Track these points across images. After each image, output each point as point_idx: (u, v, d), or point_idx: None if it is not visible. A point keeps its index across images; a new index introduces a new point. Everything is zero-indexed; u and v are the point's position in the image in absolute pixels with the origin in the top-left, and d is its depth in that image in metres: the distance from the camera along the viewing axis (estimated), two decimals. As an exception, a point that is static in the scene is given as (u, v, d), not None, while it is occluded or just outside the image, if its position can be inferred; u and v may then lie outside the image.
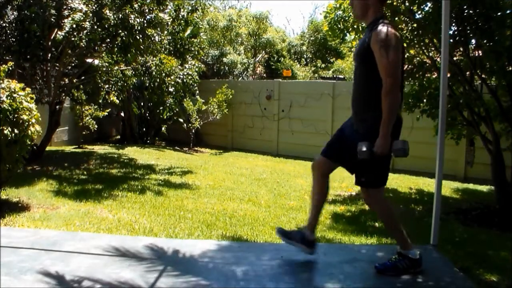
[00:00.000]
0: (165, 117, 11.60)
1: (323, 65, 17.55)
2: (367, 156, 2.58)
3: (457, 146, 6.36)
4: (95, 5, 6.89)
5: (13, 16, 6.67)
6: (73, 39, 6.79)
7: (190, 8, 11.15)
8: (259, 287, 2.57)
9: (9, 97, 4.03)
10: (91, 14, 6.75)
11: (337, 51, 18.38)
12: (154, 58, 9.66)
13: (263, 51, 17.74)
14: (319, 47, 18.20)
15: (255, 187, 6.60)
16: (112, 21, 6.81)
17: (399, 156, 2.61)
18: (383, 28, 2.58)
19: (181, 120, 11.81)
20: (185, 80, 10.88)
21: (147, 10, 7.43)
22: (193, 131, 11.66)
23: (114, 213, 4.58)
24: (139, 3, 7.31)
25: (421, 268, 2.80)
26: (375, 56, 2.56)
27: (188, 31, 11.21)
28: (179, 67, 10.77)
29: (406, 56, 5.87)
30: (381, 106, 2.55)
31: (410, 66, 5.82)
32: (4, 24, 6.53)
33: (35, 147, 6.82)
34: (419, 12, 5.47)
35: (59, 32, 6.87)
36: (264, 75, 17.44)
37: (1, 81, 4.19)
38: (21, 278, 2.49)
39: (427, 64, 5.73)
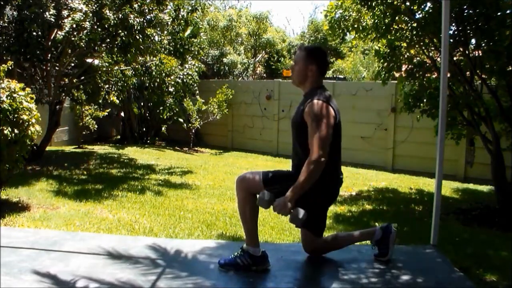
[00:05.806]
0: (165, 117, 11.60)
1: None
2: (264, 205, 2.50)
3: (457, 146, 6.36)
4: (95, 5, 6.88)
5: (12, 16, 6.67)
6: (73, 39, 6.78)
7: (190, 8, 11.14)
8: (259, 287, 2.57)
9: (9, 97, 4.03)
10: (91, 14, 6.75)
11: (337, 51, 18.36)
12: (154, 58, 9.64)
13: (263, 51, 17.72)
14: (319, 47, 18.19)
15: (255, 187, 6.59)
16: (112, 21, 6.81)
17: (294, 223, 2.50)
18: (318, 102, 2.55)
19: (181, 120, 11.81)
20: (185, 80, 10.87)
21: (147, 10, 7.43)
22: (193, 131, 11.65)
23: (114, 213, 4.59)
24: (139, 3, 7.31)
25: (265, 266, 2.74)
26: (308, 128, 2.54)
27: (188, 31, 11.19)
28: (179, 67, 10.75)
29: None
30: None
31: (410, 66, 5.82)
32: (3, 24, 6.53)
33: (35, 147, 6.82)
34: (419, 12, 5.47)
35: (59, 32, 6.86)
36: (264, 75, 17.42)
37: (1, 81, 4.19)
38: (21, 278, 2.49)
39: (427, 64, 5.73)
